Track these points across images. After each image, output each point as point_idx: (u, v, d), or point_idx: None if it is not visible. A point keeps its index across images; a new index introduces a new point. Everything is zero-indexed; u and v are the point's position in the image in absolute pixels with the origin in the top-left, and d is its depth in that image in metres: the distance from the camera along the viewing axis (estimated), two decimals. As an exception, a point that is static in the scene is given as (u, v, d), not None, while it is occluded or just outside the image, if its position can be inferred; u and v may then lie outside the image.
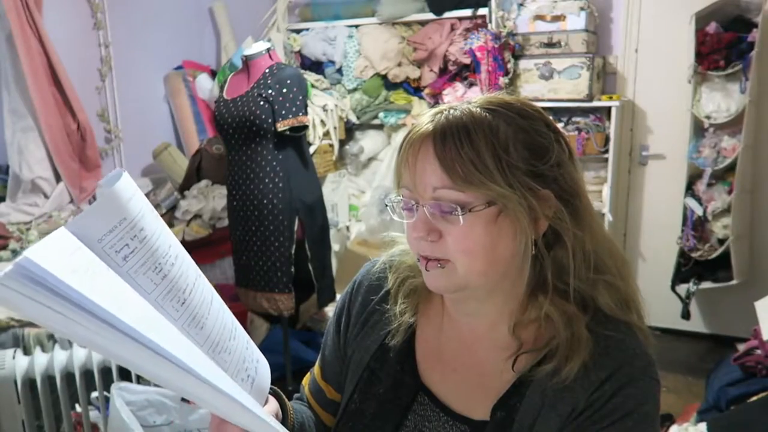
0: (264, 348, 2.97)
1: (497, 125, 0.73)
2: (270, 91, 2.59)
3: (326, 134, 3.83)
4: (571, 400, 0.73)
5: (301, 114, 2.62)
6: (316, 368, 0.98)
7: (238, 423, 0.64)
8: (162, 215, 3.74)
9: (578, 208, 0.76)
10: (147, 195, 3.83)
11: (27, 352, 2.20)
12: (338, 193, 3.90)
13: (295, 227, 2.70)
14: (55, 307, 0.47)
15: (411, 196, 0.76)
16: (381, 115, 3.90)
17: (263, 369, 0.73)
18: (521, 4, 3.49)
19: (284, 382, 2.82)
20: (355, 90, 3.94)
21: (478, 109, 0.74)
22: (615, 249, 0.80)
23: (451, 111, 0.75)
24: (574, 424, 0.73)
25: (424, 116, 0.78)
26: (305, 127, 2.69)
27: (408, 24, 3.80)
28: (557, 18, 3.35)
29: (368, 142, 3.97)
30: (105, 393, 2.02)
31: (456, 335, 0.84)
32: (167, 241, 0.58)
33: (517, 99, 0.78)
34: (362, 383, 0.87)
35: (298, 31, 4.09)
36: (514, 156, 0.72)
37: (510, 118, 0.74)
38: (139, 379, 2.06)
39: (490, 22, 3.45)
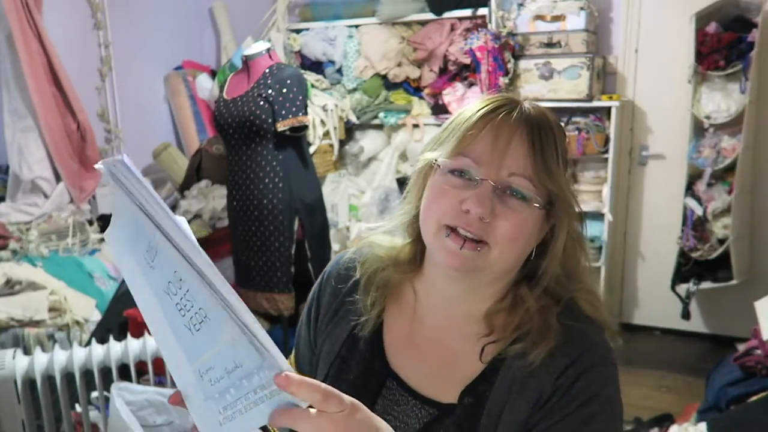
0: (264, 348, 2.98)
1: (562, 134, 0.80)
2: (270, 91, 2.59)
3: (326, 134, 3.83)
4: (538, 386, 0.76)
5: (301, 114, 2.62)
6: (291, 360, 0.99)
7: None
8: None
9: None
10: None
11: (27, 352, 2.21)
12: (338, 193, 3.90)
13: (295, 227, 2.70)
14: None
15: (477, 169, 0.76)
16: (381, 115, 3.90)
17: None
18: (521, 4, 3.49)
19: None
20: (355, 90, 3.94)
21: (547, 114, 0.81)
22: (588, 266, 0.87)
23: (532, 105, 0.80)
24: (542, 410, 0.75)
25: (490, 98, 0.80)
26: (305, 127, 2.69)
27: (408, 24, 3.80)
28: (557, 18, 3.35)
29: (368, 142, 3.97)
30: (105, 393, 2.02)
31: (429, 323, 0.86)
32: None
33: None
34: (333, 370, 0.88)
35: (298, 31, 4.09)
36: (564, 164, 0.80)
37: (562, 132, 0.81)
38: (139, 379, 2.07)
39: (490, 22, 3.45)
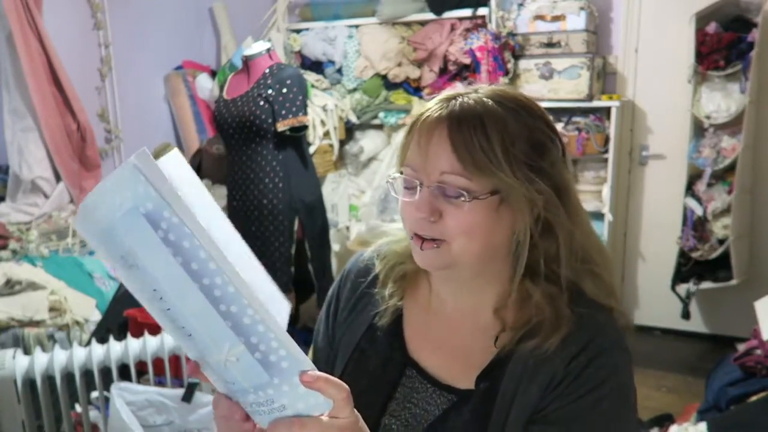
0: (264, 348, 2.98)
1: (507, 119, 0.77)
2: (270, 91, 2.59)
3: (326, 134, 3.83)
4: (550, 371, 0.77)
5: (301, 114, 2.62)
6: (309, 356, 1.00)
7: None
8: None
9: (569, 203, 0.81)
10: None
11: (27, 352, 2.20)
12: (338, 193, 3.90)
13: (295, 227, 2.70)
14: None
15: (415, 176, 0.79)
16: (381, 115, 3.90)
17: None
18: (521, 4, 3.49)
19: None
20: (355, 90, 3.94)
21: (490, 101, 0.78)
22: (601, 244, 0.87)
23: (464, 99, 0.79)
24: (553, 394, 0.77)
25: (434, 100, 0.81)
26: (305, 127, 2.70)
27: (408, 24, 3.80)
28: (557, 18, 3.35)
29: (368, 142, 3.97)
30: (105, 393, 2.02)
31: (443, 316, 0.89)
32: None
33: (522, 95, 0.82)
34: (352, 362, 0.91)
35: (298, 31, 4.09)
36: (519, 150, 0.76)
37: (518, 115, 0.78)
38: (139, 379, 2.06)
39: (490, 22, 3.45)
